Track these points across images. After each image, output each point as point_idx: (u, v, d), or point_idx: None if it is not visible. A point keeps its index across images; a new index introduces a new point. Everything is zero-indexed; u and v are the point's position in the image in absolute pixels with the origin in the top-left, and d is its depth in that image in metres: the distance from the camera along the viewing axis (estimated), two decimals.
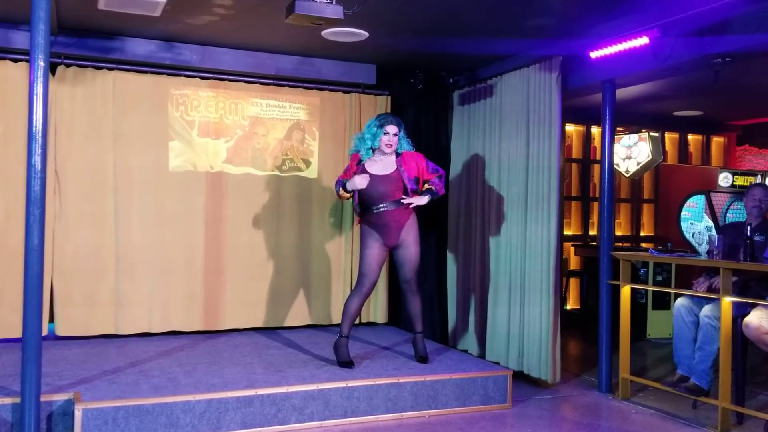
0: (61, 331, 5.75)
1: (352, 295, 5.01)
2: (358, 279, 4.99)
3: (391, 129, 4.90)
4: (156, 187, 6.04)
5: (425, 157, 5.09)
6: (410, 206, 4.95)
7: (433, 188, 5.00)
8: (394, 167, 4.93)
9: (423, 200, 4.93)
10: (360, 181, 4.80)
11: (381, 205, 4.86)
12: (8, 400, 3.92)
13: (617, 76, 5.26)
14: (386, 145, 4.87)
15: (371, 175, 4.85)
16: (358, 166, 4.97)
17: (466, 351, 6.11)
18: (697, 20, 4.38)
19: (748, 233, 4.58)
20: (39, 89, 3.81)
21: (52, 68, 5.42)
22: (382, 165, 4.94)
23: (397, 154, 4.97)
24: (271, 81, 6.39)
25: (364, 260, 4.96)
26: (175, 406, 4.02)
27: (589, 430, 4.50)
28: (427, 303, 6.70)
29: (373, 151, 4.96)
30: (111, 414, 3.88)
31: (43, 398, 3.87)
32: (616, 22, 4.83)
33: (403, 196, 4.92)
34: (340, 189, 4.98)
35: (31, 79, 3.80)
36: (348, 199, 5.05)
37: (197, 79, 6.17)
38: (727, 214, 7.58)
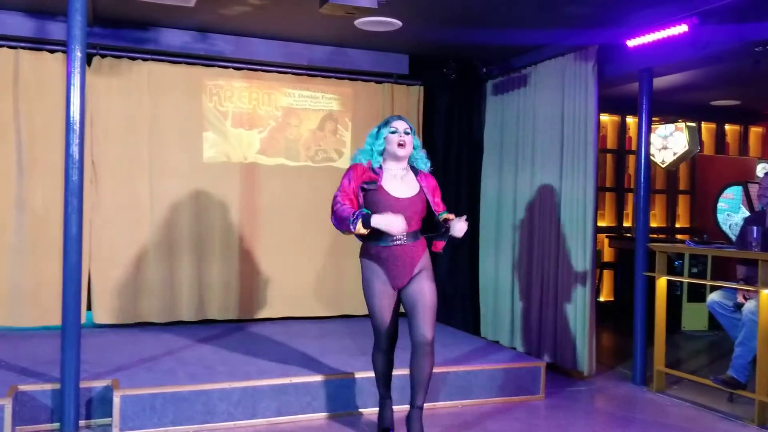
0: (98, 319, 5.84)
1: (374, 351, 3.96)
2: (374, 333, 3.88)
3: (400, 125, 3.68)
4: (191, 177, 6.10)
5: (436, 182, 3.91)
6: (443, 235, 3.73)
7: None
8: (417, 188, 3.72)
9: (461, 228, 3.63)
10: (397, 226, 3.48)
11: (397, 238, 3.63)
12: (48, 387, 3.99)
13: (654, 65, 5.17)
14: (398, 144, 3.63)
15: (390, 196, 3.62)
16: (367, 174, 3.70)
17: (497, 342, 6.08)
18: (738, 7, 4.30)
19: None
20: (76, 80, 3.87)
21: (87, 59, 5.50)
22: (406, 185, 3.69)
23: (415, 171, 3.79)
24: (303, 71, 6.40)
25: (372, 311, 3.80)
26: (211, 393, 4.06)
27: (623, 422, 4.46)
28: (459, 294, 6.70)
29: (383, 159, 3.74)
30: (149, 401, 3.93)
31: (82, 385, 3.95)
32: (653, 10, 4.75)
33: (447, 218, 3.68)
34: (358, 223, 3.50)
35: (69, 69, 3.85)
36: (362, 234, 3.60)
37: (230, 69, 6.21)
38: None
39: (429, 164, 3.83)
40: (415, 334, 3.66)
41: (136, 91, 5.93)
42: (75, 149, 3.88)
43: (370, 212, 3.54)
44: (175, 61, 6.04)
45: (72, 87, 3.87)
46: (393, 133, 3.67)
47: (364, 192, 3.64)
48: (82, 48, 3.89)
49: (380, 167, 3.71)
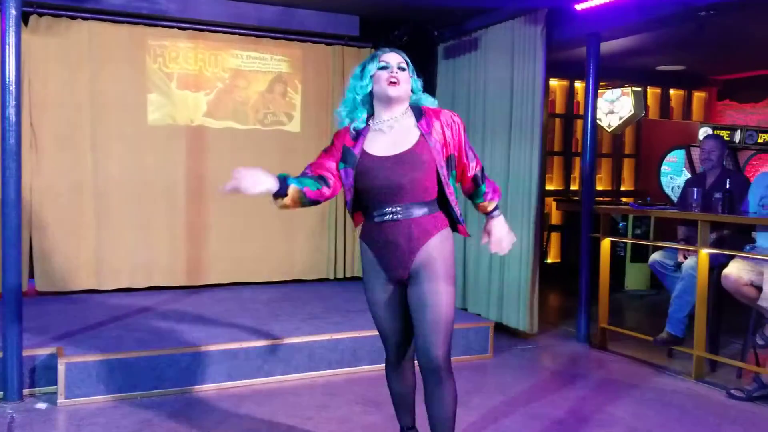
0: (41, 287, 5.71)
1: (386, 367, 2.99)
2: (382, 342, 2.93)
3: (392, 57, 2.66)
4: (135, 140, 5.96)
5: (463, 125, 2.78)
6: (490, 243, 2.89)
7: (496, 201, 2.92)
8: (416, 137, 2.64)
9: (506, 239, 2.88)
10: (242, 180, 2.84)
11: (388, 211, 2.64)
12: None
13: (602, 30, 5.22)
14: (389, 82, 2.61)
15: (372, 157, 2.64)
16: (347, 141, 2.71)
17: None
18: None
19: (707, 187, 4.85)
20: (11, 39, 3.75)
21: (24, 18, 5.27)
22: (392, 138, 2.65)
23: (419, 113, 2.72)
24: (252, 32, 6.27)
25: (373, 316, 2.85)
26: (159, 359, 4.03)
27: (567, 378, 4.59)
28: None
29: (371, 116, 2.73)
30: (95, 368, 3.88)
31: (25, 353, 3.88)
32: None
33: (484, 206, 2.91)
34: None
35: (3, 28, 3.73)
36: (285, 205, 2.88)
37: (175, 29, 6.04)
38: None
39: (436, 104, 2.83)
40: (419, 355, 2.66)
41: (77, 52, 5.73)
42: (11, 111, 3.77)
43: (284, 176, 2.76)
44: (117, 21, 5.84)
45: (7, 46, 3.75)
46: (383, 68, 2.64)
47: (345, 169, 2.69)
48: (17, 5, 3.76)
49: (366, 125, 2.70)
